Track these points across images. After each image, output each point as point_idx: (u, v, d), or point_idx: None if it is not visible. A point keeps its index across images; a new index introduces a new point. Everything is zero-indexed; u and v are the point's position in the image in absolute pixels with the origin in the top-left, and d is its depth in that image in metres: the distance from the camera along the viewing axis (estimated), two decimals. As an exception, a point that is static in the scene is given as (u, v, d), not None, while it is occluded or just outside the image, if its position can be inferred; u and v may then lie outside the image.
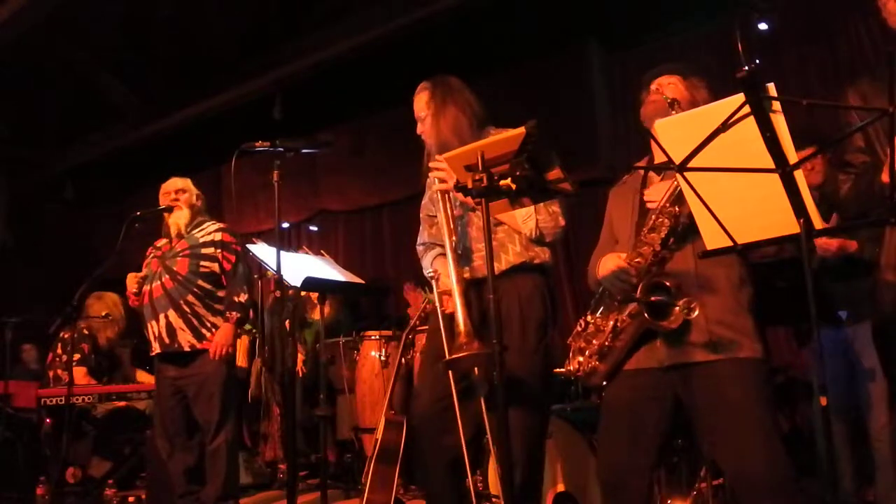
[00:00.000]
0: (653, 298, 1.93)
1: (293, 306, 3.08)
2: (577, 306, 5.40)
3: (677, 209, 1.97)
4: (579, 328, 2.14)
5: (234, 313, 3.52)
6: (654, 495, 2.11)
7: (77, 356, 4.77)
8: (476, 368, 2.31)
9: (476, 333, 2.15)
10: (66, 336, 4.76)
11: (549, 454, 3.02)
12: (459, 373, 2.32)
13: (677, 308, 1.88)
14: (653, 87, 2.15)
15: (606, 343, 2.07)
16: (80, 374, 4.70)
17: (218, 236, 3.64)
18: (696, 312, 1.87)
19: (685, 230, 1.98)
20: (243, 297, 3.56)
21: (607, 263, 2.09)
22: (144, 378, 4.91)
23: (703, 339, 1.93)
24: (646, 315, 1.95)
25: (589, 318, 2.13)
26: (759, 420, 1.88)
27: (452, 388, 2.30)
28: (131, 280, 3.63)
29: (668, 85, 2.13)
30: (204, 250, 3.59)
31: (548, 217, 2.37)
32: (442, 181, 2.35)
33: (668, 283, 1.93)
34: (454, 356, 2.15)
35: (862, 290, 2.58)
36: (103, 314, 4.85)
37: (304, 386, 5.32)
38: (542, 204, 2.32)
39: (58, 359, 4.83)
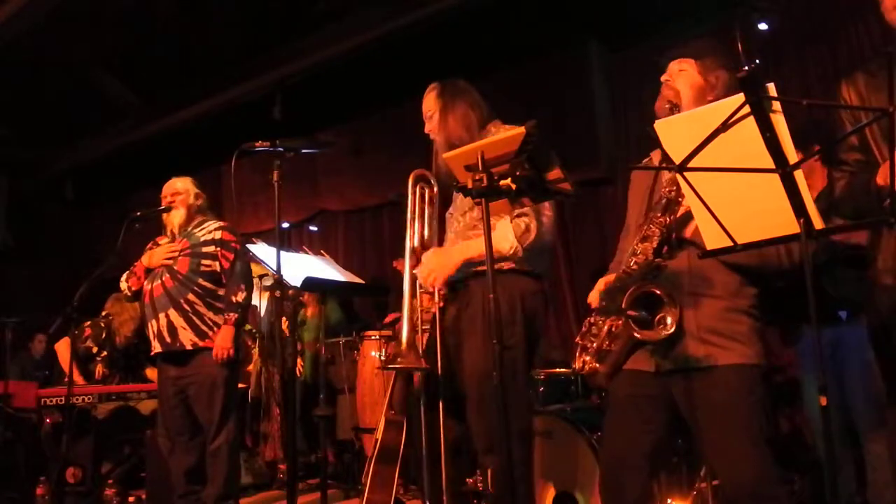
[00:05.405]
0: (630, 313, 1.92)
1: (292, 306, 3.08)
2: (577, 307, 5.39)
3: (668, 219, 1.95)
4: (584, 328, 2.13)
5: (231, 314, 3.48)
6: (653, 495, 2.09)
7: (94, 349, 4.84)
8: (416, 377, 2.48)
9: (413, 346, 2.33)
10: (87, 334, 4.87)
11: (549, 454, 3.03)
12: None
13: (656, 322, 1.89)
14: (663, 77, 2.09)
15: (604, 346, 2.05)
16: (97, 371, 4.80)
17: (218, 235, 3.63)
18: (672, 329, 1.87)
19: (680, 238, 1.96)
20: (241, 297, 3.51)
21: (598, 286, 2.14)
22: (155, 375, 4.92)
23: (693, 347, 1.93)
24: (631, 325, 1.94)
25: (592, 318, 2.11)
26: (745, 427, 1.88)
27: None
28: (139, 266, 3.66)
29: (679, 73, 2.06)
30: (204, 249, 3.59)
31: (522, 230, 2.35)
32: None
33: (658, 292, 1.91)
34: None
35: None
36: (103, 314, 4.88)
37: (304, 386, 5.33)
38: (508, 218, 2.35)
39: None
